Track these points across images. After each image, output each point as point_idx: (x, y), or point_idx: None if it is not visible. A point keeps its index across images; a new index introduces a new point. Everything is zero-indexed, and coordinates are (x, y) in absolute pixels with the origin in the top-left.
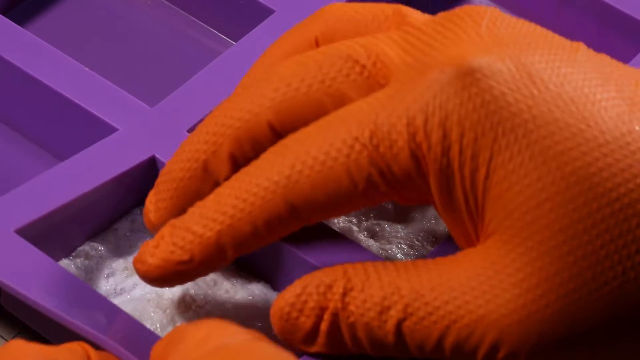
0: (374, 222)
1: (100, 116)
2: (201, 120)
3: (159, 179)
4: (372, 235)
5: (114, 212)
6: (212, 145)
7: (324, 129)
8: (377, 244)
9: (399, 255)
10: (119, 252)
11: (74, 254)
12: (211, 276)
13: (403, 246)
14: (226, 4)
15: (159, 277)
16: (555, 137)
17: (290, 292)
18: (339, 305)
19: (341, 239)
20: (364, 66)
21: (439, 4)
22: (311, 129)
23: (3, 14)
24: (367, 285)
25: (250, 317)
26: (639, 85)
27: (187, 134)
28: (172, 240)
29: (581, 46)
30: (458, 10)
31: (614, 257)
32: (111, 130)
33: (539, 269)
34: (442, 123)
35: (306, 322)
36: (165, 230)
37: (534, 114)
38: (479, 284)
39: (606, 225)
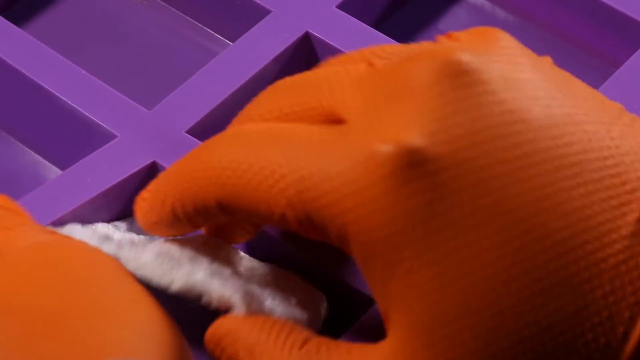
0: None
1: (99, 122)
2: (199, 122)
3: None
4: None
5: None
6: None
7: (274, 139)
8: None
9: None
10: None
11: None
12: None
13: None
14: (222, 4)
15: (144, 227)
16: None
17: (210, 334)
18: None
19: None
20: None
21: (437, 6)
22: (268, 133)
23: None
24: None
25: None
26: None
27: (187, 135)
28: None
29: None
30: (413, 59)
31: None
32: (110, 137)
33: None
34: (372, 201)
35: None
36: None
37: (477, 205)
38: None
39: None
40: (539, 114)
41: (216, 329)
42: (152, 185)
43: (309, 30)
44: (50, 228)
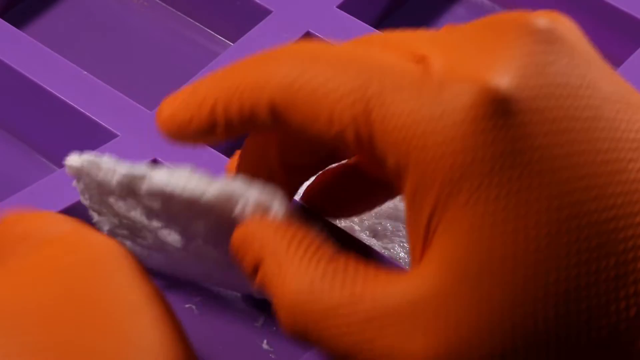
0: (376, 221)
1: (99, 121)
2: None
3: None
4: (374, 234)
5: None
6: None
7: (348, 56)
8: (379, 243)
9: (402, 254)
10: None
11: None
12: None
13: (405, 245)
14: (223, 5)
15: (167, 129)
16: (567, 185)
17: (238, 234)
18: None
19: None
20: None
21: (436, 5)
22: (340, 49)
23: (0, 17)
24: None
25: None
26: None
27: None
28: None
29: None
30: (502, 16)
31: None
32: (111, 136)
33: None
34: (445, 130)
35: (247, 267)
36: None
37: (553, 153)
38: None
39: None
40: (605, 87)
41: (245, 229)
42: (188, 87)
43: (309, 30)
44: None
